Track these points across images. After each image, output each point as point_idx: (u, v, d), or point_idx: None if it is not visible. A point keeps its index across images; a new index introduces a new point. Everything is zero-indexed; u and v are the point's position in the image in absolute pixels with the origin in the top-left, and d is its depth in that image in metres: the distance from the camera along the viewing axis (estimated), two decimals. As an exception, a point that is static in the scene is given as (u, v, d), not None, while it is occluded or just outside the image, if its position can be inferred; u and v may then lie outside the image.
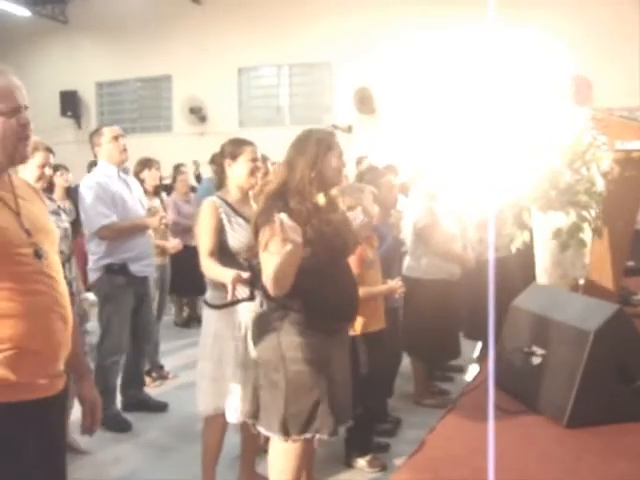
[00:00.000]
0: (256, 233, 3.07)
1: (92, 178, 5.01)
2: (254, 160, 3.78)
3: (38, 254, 2.10)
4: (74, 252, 4.53)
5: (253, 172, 3.77)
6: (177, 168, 8.51)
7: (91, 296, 4.80)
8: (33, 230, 2.12)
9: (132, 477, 4.29)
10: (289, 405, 2.98)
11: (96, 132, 5.10)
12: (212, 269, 3.59)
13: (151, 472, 4.37)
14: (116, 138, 4.97)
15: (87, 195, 4.85)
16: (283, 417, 2.98)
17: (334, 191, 3.19)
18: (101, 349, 5.00)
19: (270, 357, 3.04)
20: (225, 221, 3.66)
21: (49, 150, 4.17)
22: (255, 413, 3.15)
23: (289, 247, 2.76)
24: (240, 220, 3.66)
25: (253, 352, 3.28)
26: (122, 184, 5.04)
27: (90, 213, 4.85)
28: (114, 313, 4.99)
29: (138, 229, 5.06)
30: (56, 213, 4.29)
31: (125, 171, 5.21)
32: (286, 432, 2.99)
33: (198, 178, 10.82)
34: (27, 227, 2.10)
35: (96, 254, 4.92)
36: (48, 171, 4.18)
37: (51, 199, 4.53)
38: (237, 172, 3.77)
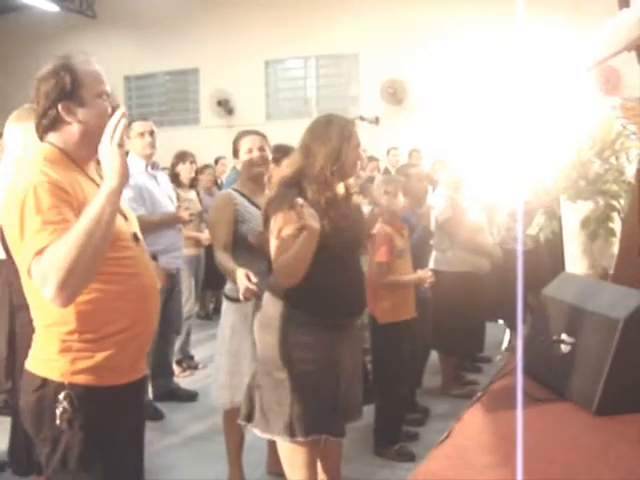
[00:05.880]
0: (266, 220, 2.96)
1: None
2: (250, 151, 3.84)
3: (136, 237, 2.14)
4: None
5: (251, 163, 3.83)
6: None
7: None
8: (128, 214, 2.17)
9: (161, 466, 4.34)
10: (295, 405, 2.86)
11: (128, 126, 5.18)
12: (225, 264, 3.54)
13: (180, 461, 4.44)
14: (142, 134, 5.01)
15: None
16: (289, 417, 2.87)
17: (350, 181, 3.09)
18: None
19: (275, 356, 2.91)
20: (241, 212, 3.69)
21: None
22: (249, 415, 3.06)
23: (306, 234, 2.69)
24: (253, 209, 3.68)
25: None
26: (150, 179, 5.09)
27: None
28: None
29: (165, 224, 5.10)
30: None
31: (155, 166, 5.24)
32: (292, 433, 2.87)
33: None
34: (124, 211, 2.13)
35: None
36: None
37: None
38: (242, 165, 3.88)
